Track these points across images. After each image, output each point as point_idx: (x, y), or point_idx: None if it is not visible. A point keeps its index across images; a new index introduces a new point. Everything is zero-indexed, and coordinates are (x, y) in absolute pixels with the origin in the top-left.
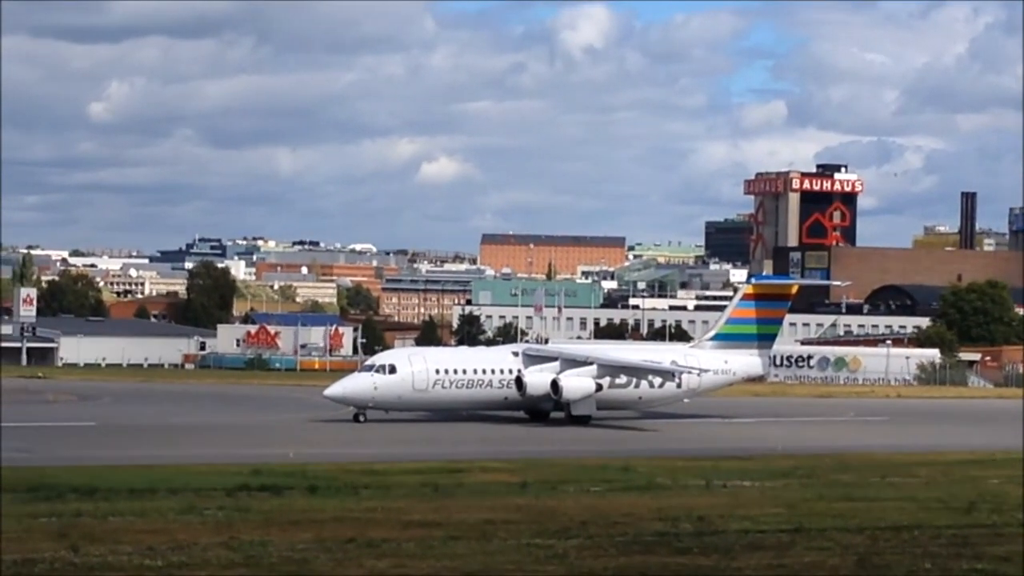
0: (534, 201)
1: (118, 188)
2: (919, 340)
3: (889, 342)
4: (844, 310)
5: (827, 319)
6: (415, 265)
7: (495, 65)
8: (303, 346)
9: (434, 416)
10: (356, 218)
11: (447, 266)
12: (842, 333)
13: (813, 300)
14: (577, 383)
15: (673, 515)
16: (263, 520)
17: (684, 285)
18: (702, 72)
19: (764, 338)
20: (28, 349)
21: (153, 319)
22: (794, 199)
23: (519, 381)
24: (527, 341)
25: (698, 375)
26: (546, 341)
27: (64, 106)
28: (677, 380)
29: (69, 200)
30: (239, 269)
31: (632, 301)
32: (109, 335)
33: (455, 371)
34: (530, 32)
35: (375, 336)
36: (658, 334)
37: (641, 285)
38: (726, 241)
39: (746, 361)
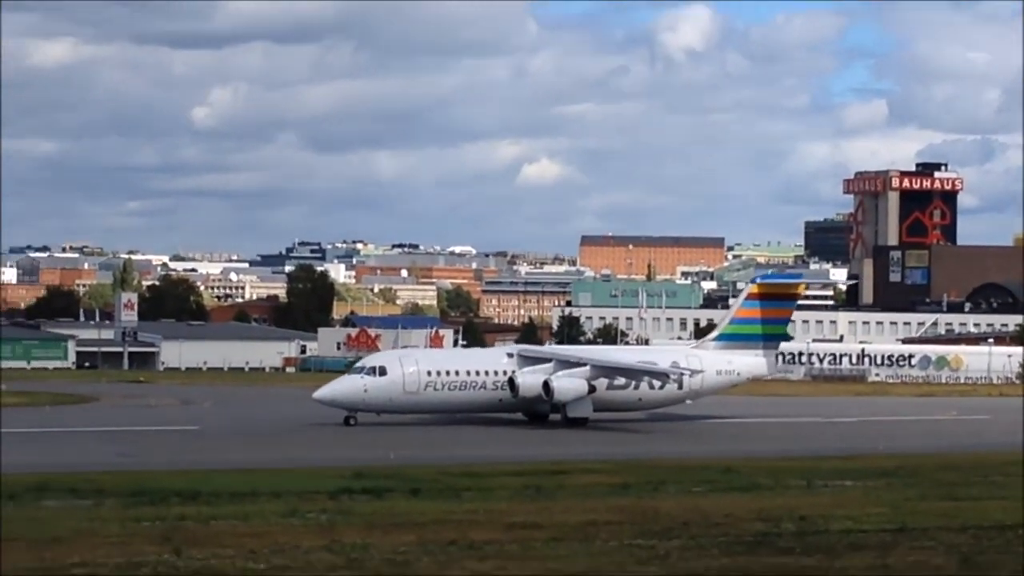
0: (634, 202)
1: (220, 193)
2: (1021, 338)
3: (991, 340)
4: (945, 308)
5: (928, 318)
6: (515, 267)
7: (597, 67)
8: (404, 348)
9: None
10: (456, 221)
11: (547, 268)
12: (943, 332)
13: (914, 299)
14: (568, 384)
15: (775, 515)
16: (365, 523)
17: None
18: (803, 72)
19: (770, 338)
20: (130, 354)
21: (253, 323)
22: (894, 198)
23: (511, 382)
24: (627, 342)
25: (690, 376)
26: (647, 342)
27: (167, 112)
28: (677, 381)
29: (171, 205)
30: (339, 272)
31: (731, 301)
32: (210, 339)
33: (448, 372)
34: (631, 34)
35: (475, 338)
36: None
37: (741, 285)
38: (826, 241)
39: (751, 362)
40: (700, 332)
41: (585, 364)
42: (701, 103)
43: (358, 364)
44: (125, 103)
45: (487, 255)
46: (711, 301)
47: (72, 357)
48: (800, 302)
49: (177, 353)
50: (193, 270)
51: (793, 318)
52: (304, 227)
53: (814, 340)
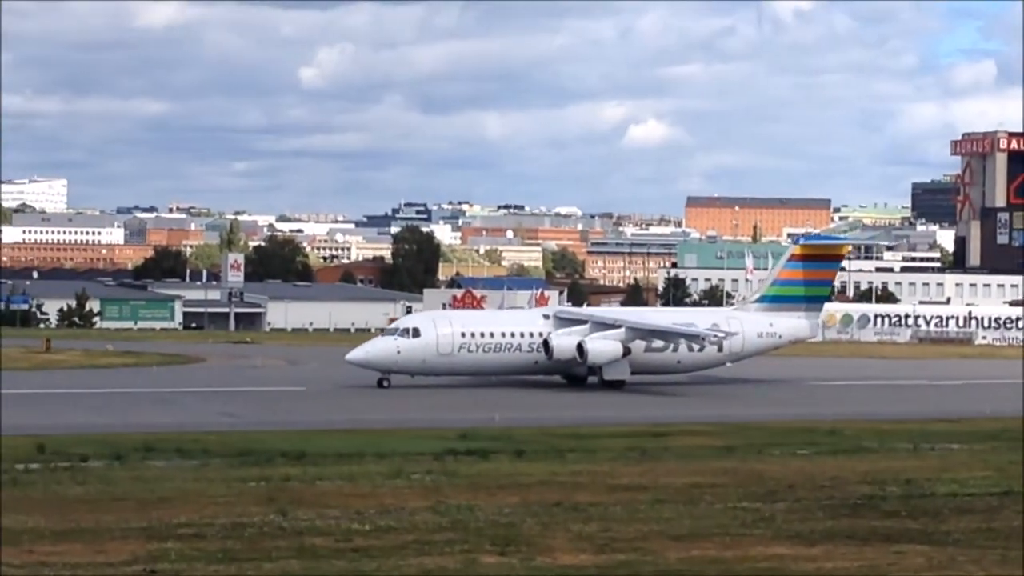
0: (740, 163)
1: (326, 154)
2: None
3: None
4: None
5: None
6: (620, 228)
7: (704, 28)
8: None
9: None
10: (562, 182)
11: (652, 229)
12: None
13: (1022, 261)
14: (603, 346)
15: (880, 478)
16: (470, 484)
17: (890, 247)
18: (911, 32)
19: (813, 300)
20: (236, 314)
21: (359, 284)
22: (1002, 159)
23: (546, 344)
24: (732, 304)
25: (724, 338)
26: None
27: (275, 72)
28: (714, 343)
29: (278, 166)
30: (445, 233)
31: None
32: (316, 300)
33: (482, 334)
34: None
35: (581, 299)
36: (864, 296)
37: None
38: (933, 202)
39: (793, 324)
40: None
41: (620, 326)
42: (808, 64)
43: (392, 325)
44: (232, 63)
45: (593, 216)
46: None
47: (179, 318)
48: (906, 264)
49: (283, 314)
50: (299, 231)
51: (899, 280)
52: (410, 188)
53: (920, 302)
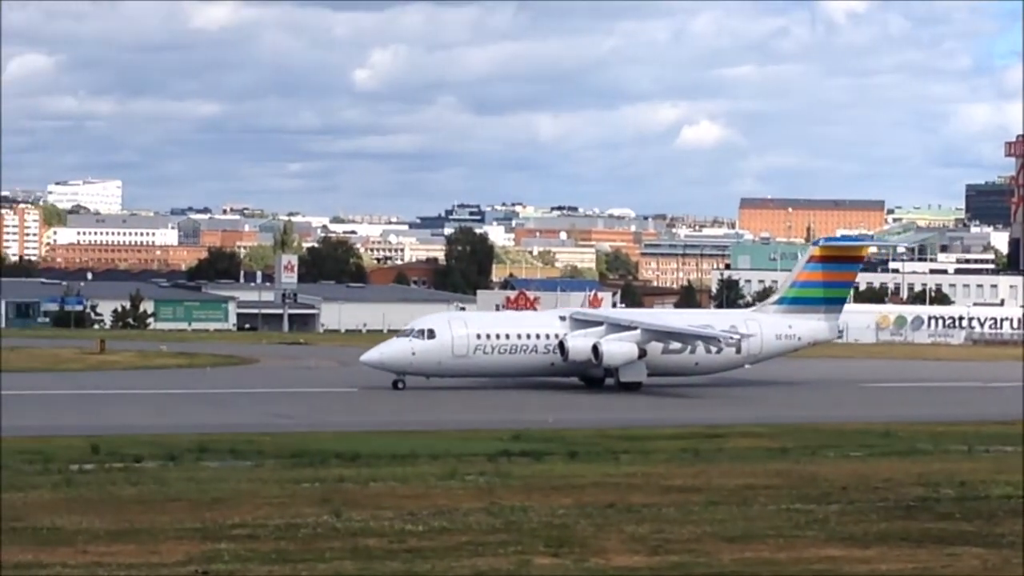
0: (794, 165)
1: (379, 155)
2: None
3: None
4: None
5: None
6: (674, 230)
7: (757, 29)
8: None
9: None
10: (615, 183)
11: (706, 231)
12: None
13: None
14: (618, 348)
15: (934, 480)
16: (523, 485)
17: (944, 248)
18: (965, 34)
19: (832, 302)
20: (290, 315)
21: (413, 285)
22: None
23: (561, 346)
24: None
25: (739, 340)
26: None
27: (328, 74)
28: (731, 345)
29: (331, 167)
30: (498, 235)
31: (892, 265)
32: (369, 301)
33: (498, 336)
34: None
35: (634, 301)
36: (918, 298)
37: (901, 249)
38: (987, 204)
39: (812, 326)
40: (859, 296)
41: (635, 328)
42: (861, 65)
43: (407, 327)
44: (286, 65)
45: (646, 218)
46: (870, 264)
47: (232, 319)
48: (960, 266)
49: (337, 315)
50: (353, 232)
51: (953, 282)
52: (463, 189)
53: (974, 304)
